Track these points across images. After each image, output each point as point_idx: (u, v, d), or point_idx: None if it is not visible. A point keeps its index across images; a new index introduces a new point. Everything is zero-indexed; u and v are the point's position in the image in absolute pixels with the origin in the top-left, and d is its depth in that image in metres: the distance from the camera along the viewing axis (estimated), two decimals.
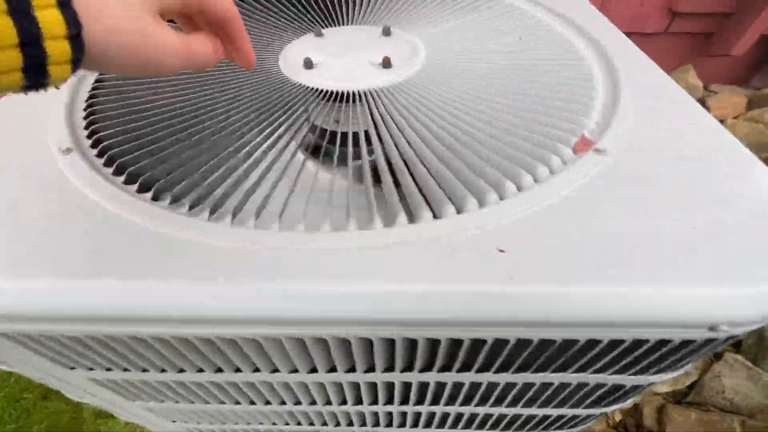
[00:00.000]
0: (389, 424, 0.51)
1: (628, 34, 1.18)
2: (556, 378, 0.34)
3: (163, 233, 0.28)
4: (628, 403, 0.44)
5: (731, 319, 0.24)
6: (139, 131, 0.36)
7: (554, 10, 0.56)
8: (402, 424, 0.51)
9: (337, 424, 0.52)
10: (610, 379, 0.35)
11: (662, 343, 0.27)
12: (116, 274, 0.25)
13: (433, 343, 0.29)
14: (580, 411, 0.44)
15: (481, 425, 0.50)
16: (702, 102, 1.42)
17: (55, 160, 0.34)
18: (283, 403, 0.44)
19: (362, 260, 0.26)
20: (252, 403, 0.43)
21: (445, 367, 0.34)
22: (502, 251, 0.26)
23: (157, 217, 0.29)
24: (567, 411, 0.43)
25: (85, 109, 0.41)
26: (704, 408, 1.03)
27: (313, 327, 0.26)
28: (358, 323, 0.26)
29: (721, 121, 1.28)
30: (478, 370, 0.33)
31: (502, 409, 0.44)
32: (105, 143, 0.35)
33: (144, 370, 0.34)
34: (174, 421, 0.50)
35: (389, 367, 0.35)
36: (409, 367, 0.34)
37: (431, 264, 0.26)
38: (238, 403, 0.42)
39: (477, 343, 0.28)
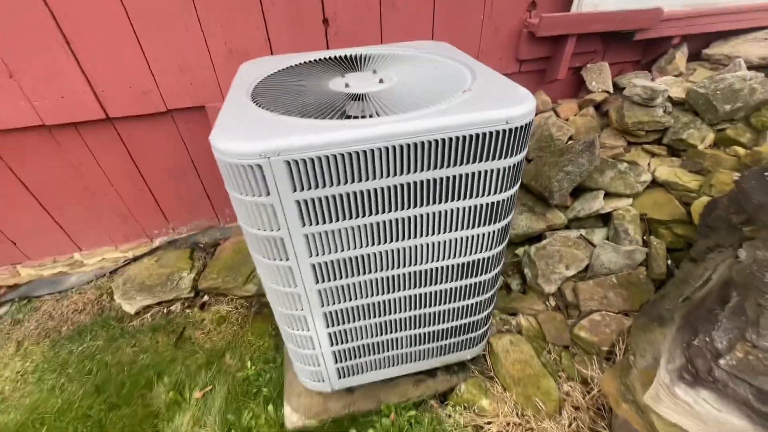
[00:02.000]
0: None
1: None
2: (451, 171, 0.90)
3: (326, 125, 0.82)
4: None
5: (511, 117, 0.83)
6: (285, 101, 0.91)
7: (456, 59, 1.22)
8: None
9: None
10: (478, 167, 0.91)
11: (493, 134, 0.85)
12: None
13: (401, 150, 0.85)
14: (483, 200, 0.99)
15: (440, 230, 1.03)
16: (554, 110, 2.22)
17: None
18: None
19: (379, 122, 0.82)
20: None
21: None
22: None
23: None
24: (476, 201, 0.98)
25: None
26: (596, 277, 1.62)
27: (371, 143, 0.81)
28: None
29: (567, 119, 2.10)
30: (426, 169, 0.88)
31: (441, 206, 0.98)
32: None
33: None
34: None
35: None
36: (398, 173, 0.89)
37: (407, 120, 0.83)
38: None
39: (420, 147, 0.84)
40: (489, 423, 1.35)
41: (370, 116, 0.88)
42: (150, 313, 1.99)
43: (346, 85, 1.05)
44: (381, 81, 1.07)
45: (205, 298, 2.05)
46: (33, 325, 2.02)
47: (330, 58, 1.26)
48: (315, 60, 1.25)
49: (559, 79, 2.11)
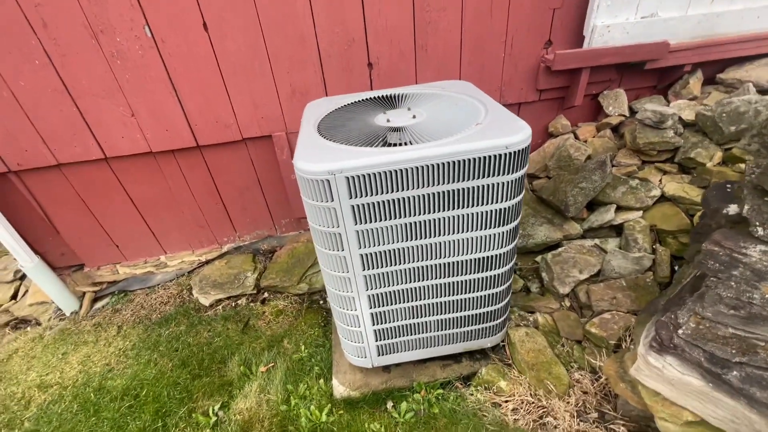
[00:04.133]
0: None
1: (520, 104, 2.29)
2: (466, 184, 1.18)
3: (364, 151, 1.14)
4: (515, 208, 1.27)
5: (509, 144, 1.12)
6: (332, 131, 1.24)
7: (474, 96, 1.53)
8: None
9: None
10: (486, 181, 1.18)
11: (496, 156, 1.13)
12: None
13: (432, 168, 1.15)
14: (492, 207, 1.26)
15: (456, 229, 1.30)
16: (574, 132, 2.44)
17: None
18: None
19: (412, 149, 1.13)
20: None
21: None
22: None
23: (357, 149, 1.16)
24: (487, 207, 1.25)
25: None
26: (607, 281, 1.81)
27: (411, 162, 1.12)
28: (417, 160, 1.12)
29: (585, 141, 2.35)
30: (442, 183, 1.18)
31: (460, 211, 1.25)
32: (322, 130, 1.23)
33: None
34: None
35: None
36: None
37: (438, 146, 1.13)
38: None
39: (442, 167, 1.14)
40: (506, 401, 1.57)
41: (405, 144, 1.20)
42: (221, 305, 2.39)
43: (388, 120, 1.39)
44: (414, 116, 1.39)
45: (266, 294, 2.42)
46: (129, 313, 2.48)
47: (374, 97, 1.61)
48: (363, 99, 1.60)
49: (577, 105, 2.35)
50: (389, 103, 1.56)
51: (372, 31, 2.01)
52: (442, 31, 2.07)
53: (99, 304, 2.62)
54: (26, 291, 2.76)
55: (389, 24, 2.01)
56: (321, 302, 2.32)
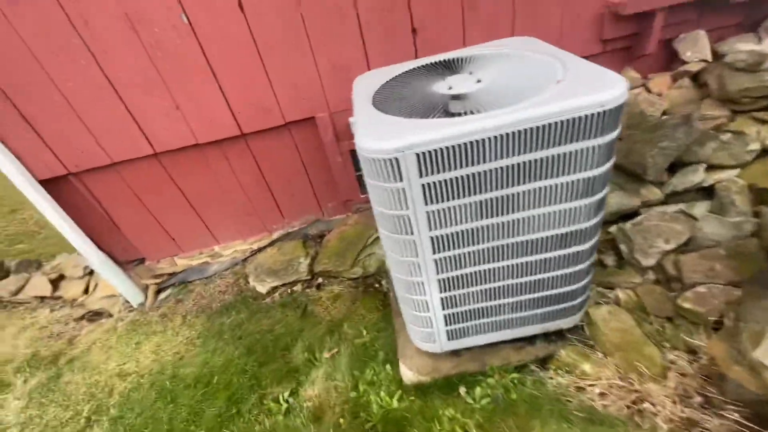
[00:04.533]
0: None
1: (586, 56, 2.00)
2: (550, 152, 1.04)
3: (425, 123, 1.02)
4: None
5: (604, 101, 0.96)
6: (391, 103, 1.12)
7: (545, 52, 1.35)
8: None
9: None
10: (574, 146, 1.03)
11: (588, 116, 0.98)
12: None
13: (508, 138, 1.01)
14: (590, 173, 1.10)
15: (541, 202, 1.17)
16: (645, 86, 2.17)
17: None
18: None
19: (488, 117, 0.99)
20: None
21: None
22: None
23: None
24: (573, 176, 1.10)
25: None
26: (700, 250, 1.62)
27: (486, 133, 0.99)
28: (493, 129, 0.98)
29: (660, 94, 2.07)
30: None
31: (541, 183, 1.11)
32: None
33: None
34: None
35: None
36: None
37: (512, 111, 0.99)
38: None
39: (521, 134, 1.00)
40: (591, 385, 1.45)
41: (473, 112, 1.06)
42: (278, 292, 2.40)
43: (449, 87, 1.25)
44: (478, 81, 1.24)
45: (320, 279, 2.40)
46: (191, 303, 2.55)
47: (429, 64, 1.47)
48: (417, 68, 1.46)
49: (648, 54, 2.07)
50: (447, 68, 1.41)
51: None
52: None
53: (162, 295, 2.72)
54: (96, 285, 2.92)
55: None
56: (377, 285, 2.27)
